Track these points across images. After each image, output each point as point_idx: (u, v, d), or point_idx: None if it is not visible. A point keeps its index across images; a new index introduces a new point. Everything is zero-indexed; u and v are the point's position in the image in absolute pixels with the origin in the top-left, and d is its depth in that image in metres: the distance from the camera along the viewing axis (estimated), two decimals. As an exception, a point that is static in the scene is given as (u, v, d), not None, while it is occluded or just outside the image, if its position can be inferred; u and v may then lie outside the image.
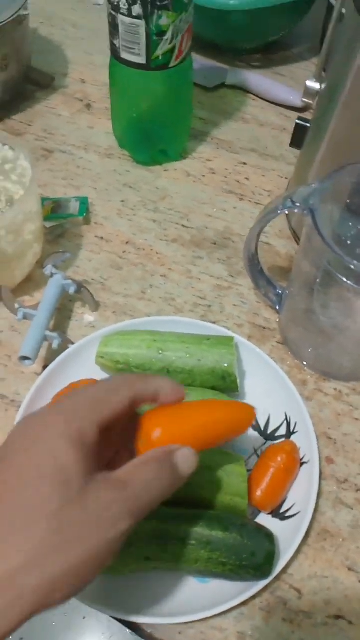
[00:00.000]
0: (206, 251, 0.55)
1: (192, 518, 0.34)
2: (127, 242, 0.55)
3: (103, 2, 0.84)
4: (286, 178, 0.61)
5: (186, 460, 0.29)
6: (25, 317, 0.46)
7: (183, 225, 0.57)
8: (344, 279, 0.37)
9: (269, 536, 0.35)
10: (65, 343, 0.45)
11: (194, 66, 0.68)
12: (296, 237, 0.55)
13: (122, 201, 0.58)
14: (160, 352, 0.41)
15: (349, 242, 0.43)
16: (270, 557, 0.34)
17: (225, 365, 0.41)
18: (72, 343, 0.45)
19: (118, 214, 0.57)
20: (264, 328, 0.49)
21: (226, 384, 0.41)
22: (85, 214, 0.55)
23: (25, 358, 0.42)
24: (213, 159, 0.63)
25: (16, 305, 0.46)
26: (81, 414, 0.27)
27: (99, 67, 0.73)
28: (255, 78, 0.69)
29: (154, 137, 0.58)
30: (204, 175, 0.61)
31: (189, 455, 0.29)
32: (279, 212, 0.41)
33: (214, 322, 0.49)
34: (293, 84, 0.70)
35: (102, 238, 0.55)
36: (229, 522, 0.34)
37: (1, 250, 0.44)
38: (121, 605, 0.34)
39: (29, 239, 0.46)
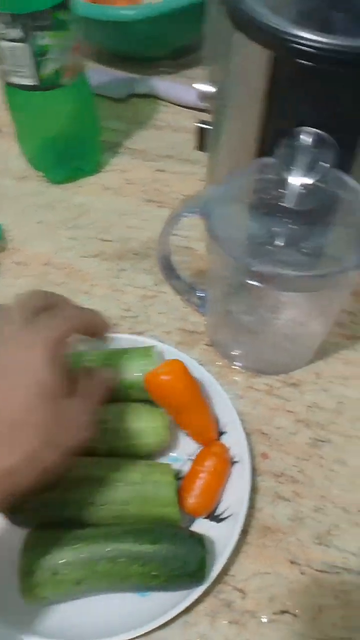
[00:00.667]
0: (130, 262, 0.55)
1: (119, 535, 0.34)
2: (46, 264, 0.54)
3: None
4: (205, 181, 0.61)
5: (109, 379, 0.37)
6: None
7: (104, 239, 0.56)
8: (249, 280, 0.37)
9: (199, 541, 0.34)
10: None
11: (102, 79, 0.69)
12: (216, 238, 0.55)
13: (39, 222, 0.58)
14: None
15: (258, 243, 0.44)
16: (202, 563, 0.34)
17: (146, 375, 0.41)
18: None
19: (36, 236, 0.57)
20: (192, 332, 0.49)
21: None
22: (0, 241, 0.54)
23: None
24: (129, 169, 0.63)
25: None
26: (56, 337, 0.32)
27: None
28: (164, 84, 0.69)
29: (64, 156, 0.58)
30: (121, 187, 0.61)
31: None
32: (178, 218, 0.41)
33: (141, 333, 0.49)
34: (203, 85, 0.71)
35: (20, 263, 0.54)
36: (158, 534, 0.34)
37: None
38: (60, 633, 0.33)
39: None
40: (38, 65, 0.48)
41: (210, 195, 0.40)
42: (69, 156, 0.59)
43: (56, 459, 0.30)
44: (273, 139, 0.39)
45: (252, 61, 0.39)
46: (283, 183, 0.39)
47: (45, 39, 0.46)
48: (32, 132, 0.56)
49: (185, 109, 0.69)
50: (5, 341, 0.31)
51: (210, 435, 0.41)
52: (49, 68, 0.49)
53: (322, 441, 0.43)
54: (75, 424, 0.32)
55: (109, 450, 0.39)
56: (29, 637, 0.33)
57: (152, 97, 0.70)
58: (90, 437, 0.33)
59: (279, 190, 0.39)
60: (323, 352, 0.48)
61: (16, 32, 0.45)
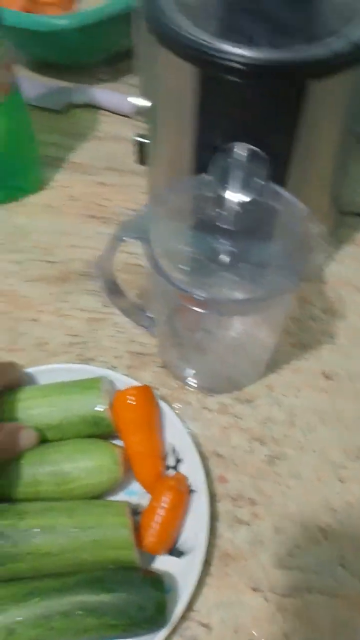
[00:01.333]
0: (75, 284, 0.53)
1: (74, 586, 0.33)
2: (-11, 292, 0.52)
3: None
4: (147, 193, 0.60)
5: (26, 438, 0.38)
6: None
7: (47, 261, 0.54)
8: (190, 306, 0.36)
9: (157, 583, 0.33)
10: None
11: (38, 90, 0.66)
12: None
13: (-21, 248, 0.55)
14: (25, 411, 0.39)
15: (200, 262, 0.42)
16: (161, 607, 0.33)
17: (95, 409, 0.39)
18: None
19: (-24, 262, 0.54)
20: (143, 354, 0.48)
21: (101, 429, 0.40)
22: None
23: None
24: (71, 185, 0.61)
25: None
26: None
27: None
28: (102, 93, 0.67)
29: (2, 174, 0.56)
30: (63, 204, 0.59)
31: (30, 435, 0.38)
32: (116, 244, 0.40)
33: (90, 359, 0.47)
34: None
35: None
36: (112, 582, 0.33)
37: None
38: None
39: None
40: None
41: (147, 217, 0.39)
42: (6, 175, 0.56)
43: None
44: (207, 155, 0.38)
45: (179, 76, 0.38)
46: (220, 202, 0.38)
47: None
48: None
49: (126, 118, 0.67)
50: None
51: (155, 479, 0.39)
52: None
53: (277, 458, 0.43)
54: None
55: (61, 493, 0.37)
56: None
57: (91, 106, 0.68)
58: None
59: (217, 209, 0.38)
60: (274, 363, 0.47)
61: None
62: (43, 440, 0.39)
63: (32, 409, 0.39)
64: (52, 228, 0.57)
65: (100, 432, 0.40)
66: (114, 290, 0.45)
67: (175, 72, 0.37)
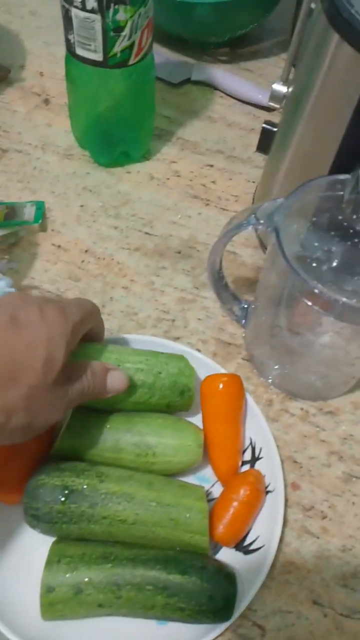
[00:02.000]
0: (170, 261, 0.52)
1: (148, 561, 0.32)
2: (86, 251, 0.52)
3: (64, -12, 0.80)
4: (253, 182, 0.58)
5: (116, 380, 0.36)
6: None
7: (146, 233, 0.54)
8: (309, 303, 0.35)
9: (229, 577, 0.33)
10: None
11: (158, 60, 0.65)
12: (263, 247, 0.53)
13: (82, 206, 0.55)
14: (119, 364, 0.38)
15: (313, 263, 0.41)
16: (230, 601, 0.32)
17: (184, 379, 0.38)
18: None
19: (77, 220, 0.54)
20: (229, 344, 0.47)
21: (183, 399, 0.39)
22: (41, 220, 0.52)
23: None
24: (178, 160, 0.60)
25: None
26: (76, 322, 0.34)
27: (59, 59, 0.69)
28: (222, 75, 0.66)
29: (115, 138, 0.55)
30: (168, 178, 0.58)
31: (120, 376, 0.36)
32: (242, 228, 0.39)
33: (177, 338, 0.47)
34: (262, 80, 0.68)
35: (59, 246, 0.52)
36: (187, 565, 0.32)
37: None
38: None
39: (-23, 252, 0.43)
40: (109, 41, 0.45)
41: (276, 207, 0.38)
42: (119, 139, 0.56)
43: (21, 432, 0.31)
44: (353, 155, 0.37)
45: (347, 67, 0.36)
46: (356, 205, 0.37)
47: (120, 13, 0.43)
48: (86, 108, 0.53)
49: (241, 103, 0.65)
50: (40, 307, 0.33)
51: (231, 471, 0.39)
52: (119, 45, 0.45)
53: (355, 477, 0.42)
54: (49, 408, 0.32)
55: (137, 463, 0.37)
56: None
57: (208, 85, 0.67)
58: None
59: (350, 212, 0.37)
60: (363, 382, 0.46)
61: (92, 3, 0.42)
62: (129, 398, 0.38)
63: (127, 363, 0.38)
64: (154, 200, 0.56)
65: (181, 403, 0.38)
66: (216, 276, 0.45)
67: (343, 62, 0.36)
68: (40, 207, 0.53)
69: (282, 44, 0.73)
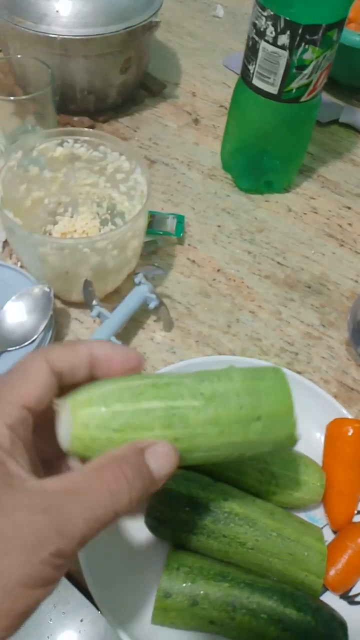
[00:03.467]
0: (299, 294, 0.52)
1: (265, 590, 0.32)
2: (218, 270, 0.53)
3: (222, 15, 0.83)
4: (391, 231, 0.58)
5: (161, 461, 0.23)
6: (98, 315, 0.45)
7: (278, 262, 0.55)
8: None
9: (342, 625, 0.32)
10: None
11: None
12: (395, 297, 0.52)
13: (219, 226, 0.57)
14: (185, 457, 0.26)
15: None
16: (341, 650, 0.31)
17: (285, 438, 0.29)
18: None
19: (213, 239, 0.56)
20: (352, 389, 0.47)
21: (288, 445, 0.31)
22: (181, 234, 0.54)
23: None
24: (317, 197, 0.61)
25: (94, 302, 0.44)
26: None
27: (211, 82, 0.72)
28: (371, 120, 0.66)
29: (263, 167, 0.57)
30: (305, 213, 0.59)
31: (164, 451, 0.23)
32: None
33: (300, 373, 0.47)
34: None
35: (194, 261, 0.54)
36: (303, 602, 0.32)
37: (103, 263, 0.42)
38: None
39: (130, 255, 0.45)
40: (289, 77, 0.46)
41: None
42: (266, 169, 0.57)
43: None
44: None
45: None
46: None
47: (308, 52, 0.45)
48: (244, 134, 0.55)
49: (385, 152, 0.66)
50: None
51: (346, 517, 0.38)
52: (297, 83, 0.47)
53: None
54: (16, 542, 0.20)
55: (259, 490, 0.37)
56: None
57: (353, 129, 0.68)
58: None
59: None
60: None
61: (285, 39, 0.44)
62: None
63: (195, 453, 0.26)
64: (290, 232, 0.57)
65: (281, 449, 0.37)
66: (357, 321, 0.45)
67: None
68: (181, 220, 0.55)
69: None
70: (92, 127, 0.63)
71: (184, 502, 0.34)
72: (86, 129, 0.46)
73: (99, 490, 0.21)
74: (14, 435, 0.22)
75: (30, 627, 0.34)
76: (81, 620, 0.35)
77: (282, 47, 0.45)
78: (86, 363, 0.25)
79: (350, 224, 0.58)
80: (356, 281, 0.54)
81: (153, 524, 0.35)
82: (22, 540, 0.19)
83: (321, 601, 0.34)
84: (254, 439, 0.27)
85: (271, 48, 0.45)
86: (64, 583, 0.36)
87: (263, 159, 0.56)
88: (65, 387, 0.25)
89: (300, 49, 0.45)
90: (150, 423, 0.25)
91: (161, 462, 0.23)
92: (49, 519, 0.20)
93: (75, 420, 0.24)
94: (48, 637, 0.34)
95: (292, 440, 0.29)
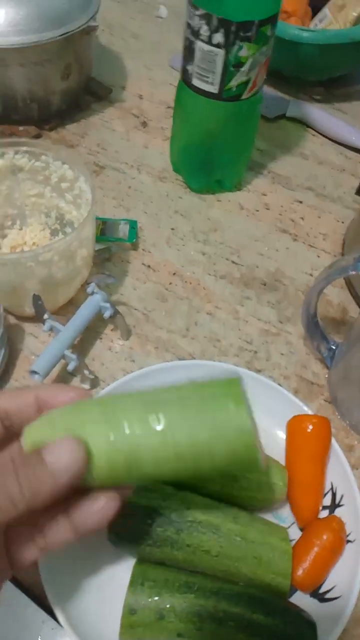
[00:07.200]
0: (255, 292, 0.52)
1: (232, 596, 0.32)
2: (174, 273, 0.53)
3: (166, 15, 0.83)
4: (343, 222, 0.59)
5: (60, 455, 0.24)
6: (51, 329, 0.44)
7: (233, 262, 0.54)
8: None
9: (311, 625, 0.32)
10: (81, 367, 0.43)
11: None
12: (350, 287, 0.53)
13: (172, 229, 0.56)
14: (131, 469, 0.26)
15: None
16: (312, 650, 0.31)
17: (246, 457, 0.27)
18: (94, 376, 0.43)
19: (167, 242, 0.55)
20: (312, 383, 0.47)
21: (252, 467, 0.28)
22: (134, 240, 0.53)
23: (35, 372, 0.41)
24: (268, 193, 0.61)
25: (45, 315, 0.43)
26: None
27: (158, 83, 0.71)
28: (317, 113, 0.66)
29: (212, 166, 0.56)
30: (257, 210, 0.59)
31: (65, 448, 0.24)
32: (349, 272, 0.39)
33: (259, 371, 0.47)
34: (355, 122, 0.68)
35: (149, 266, 0.53)
36: (270, 606, 0.32)
37: (51, 276, 0.41)
38: None
39: (79, 265, 0.44)
40: (228, 75, 0.46)
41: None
42: (215, 167, 0.57)
43: None
44: None
45: None
46: None
47: (243, 49, 0.44)
48: (190, 134, 0.54)
49: (333, 143, 0.66)
50: None
51: (312, 514, 0.38)
52: (236, 80, 0.47)
53: None
54: None
55: (221, 494, 0.36)
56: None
57: (301, 122, 0.68)
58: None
59: None
60: None
61: (219, 37, 0.44)
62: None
63: (142, 466, 0.26)
64: (243, 230, 0.57)
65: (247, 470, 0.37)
66: (311, 317, 0.45)
67: None
68: (133, 226, 0.54)
69: (378, 88, 0.74)
70: (38, 135, 0.62)
71: (145, 514, 0.34)
72: (25, 139, 0.45)
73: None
74: None
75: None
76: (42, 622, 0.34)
77: (218, 46, 0.45)
78: (33, 404, 0.27)
79: (302, 218, 0.59)
80: (311, 274, 0.54)
81: (116, 539, 0.34)
82: None
83: (289, 602, 0.34)
84: (203, 448, 0.26)
85: (207, 47, 0.45)
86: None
87: (211, 157, 0.55)
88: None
89: (236, 47, 0.44)
90: (84, 422, 0.25)
91: (58, 454, 0.24)
92: None
93: (29, 432, 0.26)
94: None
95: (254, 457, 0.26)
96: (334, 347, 0.46)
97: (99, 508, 0.25)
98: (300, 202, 0.60)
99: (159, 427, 0.25)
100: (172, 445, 0.25)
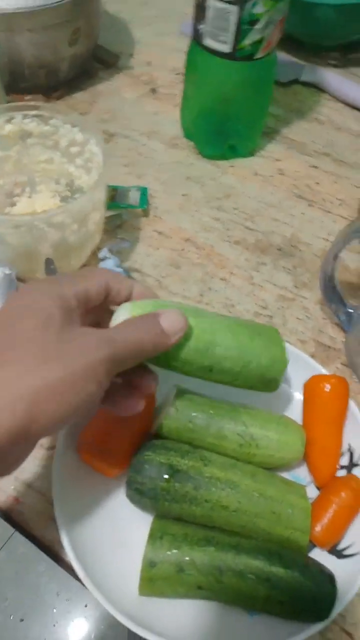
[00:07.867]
0: (271, 257, 0.52)
1: (251, 550, 0.32)
2: (187, 240, 0.52)
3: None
4: None
5: (173, 320, 0.30)
6: None
7: (248, 228, 0.54)
8: None
9: (330, 578, 0.32)
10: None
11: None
12: (367, 252, 0.52)
13: (185, 195, 0.55)
14: (209, 347, 0.32)
15: None
16: (330, 602, 0.31)
17: (275, 373, 0.35)
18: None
19: (180, 208, 0.54)
20: (329, 347, 0.46)
21: (268, 388, 0.36)
22: (145, 206, 0.52)
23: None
24: (283, 159, 0.60)
25: None
26: (63, 283, 0.29)
27: (167, 50, 0.70)
28: (333, 78, 0.65)
29: (225, 131, 0.55)
30: (272, 176, 0.58)
31: (174, 315, 0.30)
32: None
33: (275, 335, 0.46)
34: (371, 86, 0.67)
35: (161, 233, 0.52)
36: (290, 560, 0.32)
37: (64, 239, 0.41)
38: (161, 628, 0.32)
39: (92, 229, 0.44)
40: (242, 33, 0.45)
41: None
42: (229, 132, 0.56)
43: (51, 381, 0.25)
44: None
45: None
46: None
47: (258, 5, 0.43)
48: (203, 99, 0.53)
49: (350, 108, 0.64)
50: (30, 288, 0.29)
51: (329, 473, 0.38)
52: (250, 38, 0.46)
53: None
54: (75, 346, 0.26)
55: (241, 454, 0.36)
56: (132, 627, 0.31)
57: (316, 87, 0.66)
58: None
59: None
60: None
61: (232, -7, 0.43)
62: (210, 376, 0.34)
63: (217, 347, 0.33)
64: (258, 196, 0.56)
65: (264, 389, 0.36)
66: (328, 281, 0.44)
67: None
68: (144, 192, 0.54)
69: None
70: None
71: (163, 471, 0.34)
72: (33, 103, 0.45)
73: (131, 327, 0.29)
74: (78, 302, 0.29)
75: (34, 616, 0.34)
76: (85, 606, 0.34)
77: (232, 2, 0.43)
78: (103, 292, 0.31)
79: (318, 183, 0.58)
80: (327, 240, 0.53)
81: (134, 496, 0.34)
82: (86, 345, 0.26)
83: (308, 557, 0.34)
84: (256, 348, 0.34)
85: (220, 4, 0.44)
86: (64, 571, 0.35)
87: (225, 122, 0.54)
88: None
89: (251, 2, 0.43)
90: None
91: (171, 320, 0.30)
92: (103, 335, 0.27)
93: (134, 306, 0.31)
94: (54, 625, 0.33)
95: (283, 361, 0.36)
96: (351, 311, 0.45)
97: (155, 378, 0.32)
98: (316, 167, 0.59)
99: (230, 330, 0.34)
100: (238, 342, 0.33)
